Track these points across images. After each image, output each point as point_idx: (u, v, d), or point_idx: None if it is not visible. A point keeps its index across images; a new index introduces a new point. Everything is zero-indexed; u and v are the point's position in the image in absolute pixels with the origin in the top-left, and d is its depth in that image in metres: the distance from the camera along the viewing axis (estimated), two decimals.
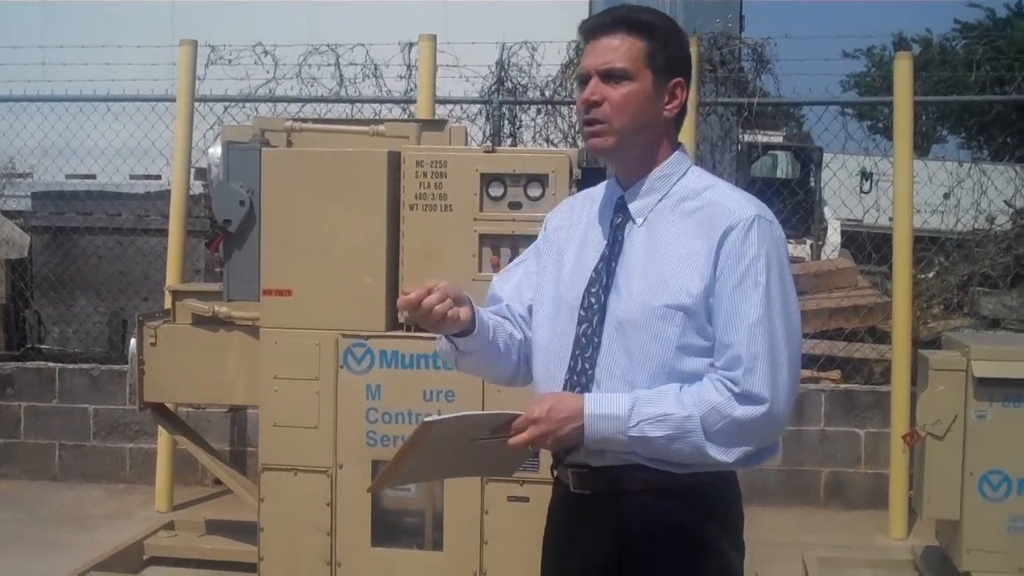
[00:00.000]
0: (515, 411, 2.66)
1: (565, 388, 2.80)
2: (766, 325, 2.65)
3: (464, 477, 4.54)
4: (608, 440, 2.66)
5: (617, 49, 2.74)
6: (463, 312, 2.81)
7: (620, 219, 2.84)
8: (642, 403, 2.64)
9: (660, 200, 2.80)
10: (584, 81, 2.79)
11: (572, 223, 3.00)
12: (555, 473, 2.93)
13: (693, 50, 7.43)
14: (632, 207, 2.83)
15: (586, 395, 2.69)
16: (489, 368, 3.06)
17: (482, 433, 2.68)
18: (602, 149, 2.79)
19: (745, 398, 2.62)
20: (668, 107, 2.80)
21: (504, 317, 3.05)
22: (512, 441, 2.64)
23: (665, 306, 2.68)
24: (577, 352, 2.80)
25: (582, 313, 2.80)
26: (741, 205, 2.73)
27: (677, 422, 2.62)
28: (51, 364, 8.60)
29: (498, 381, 3.15)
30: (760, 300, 2.65)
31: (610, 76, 2.74)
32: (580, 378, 2.78)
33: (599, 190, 3.00)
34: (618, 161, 2.86)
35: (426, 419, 2.59)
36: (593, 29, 2.80)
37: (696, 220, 2.73)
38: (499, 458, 2.81)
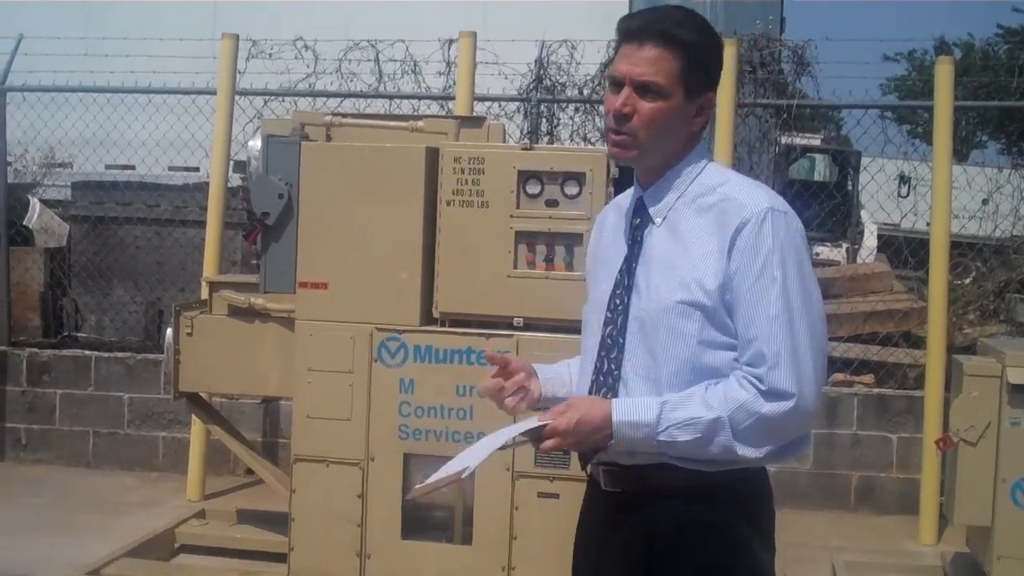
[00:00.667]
0: (544, 421, 2.67)
1: (591, 389, 2.85)
2: (786, 319, 2.64)
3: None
4: (637, 444, 2.67)
5: (655, 62, 2.72)
6: (534, 390, 2.95)
7: (639, 220, 2.87)
8: (669, 408, 2.65)
9: (678, 199, 2.82)
10: (616, 83, 2.79)
11: (604, 232, 3.05)
12: (588, 471, 2.95)
13: (733, 51, 7.45)
14: (651, 208, 2.85)
15: (613, 402, 2.70)
16: None
17: (513, 442, 2.72)
18: (623, 159, 2.82)
19: (771, 395, 2.62)
20: (695, 121, 2.82)
21: None
22: (543, 447, 2.67)
23: (680, 302, 2.69)
24: (603, 353, 2.84)
25: (608, 315, 2.84)
26: (753, 198, 2.72)
27: (706, 425, 2.63)
28: (87, 352, 8.68)
29: None
30: (778, 295, 2.64)
31: (644, 89, 2.73)
32: (607, 379, 2.81)
33: (625, 196, 3.03)
34: (638, 166, 2.88)
35: (464, 474, 2.64)
36: (634, 33, 2.77)
37: (711, 216, 2.74)
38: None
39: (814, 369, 2.67)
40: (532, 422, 2.69)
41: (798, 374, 2.63)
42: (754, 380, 2.63)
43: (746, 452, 2.65)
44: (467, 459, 2.71)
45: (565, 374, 3.07)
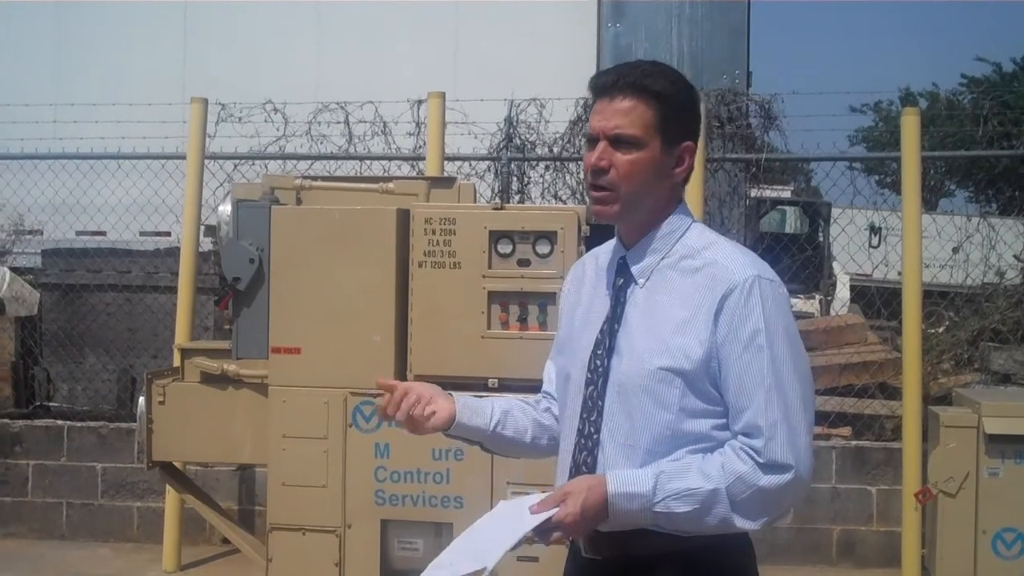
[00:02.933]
0: (541, 511, 2.61)
1: (575, 452, 2.80)
2: (778, 390, 2.61)
3: None
4: (632, 515, 2.61)
5: (628, 114, 2.70)
6: (442, 410, 2.84)
7: (622, 281, 2.82)
8: (665, 479, 2.60)
9: (662, 260, 2.77)
10: (592, 139, 2.76)
11: (579, 289, 3.00)
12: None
13: (701, 106, 7.49)
14: (634, 268, 2.80)
15: (607, 475, 2.64)
16: (514, 451, 3.11)
17: (523, 540, 2.64)
18: (607, 215, 2.77)
19: (769, 467, 2.59)
20: (676, 171, 2.78)
21: (540, 403, 3.10)
22: (553, 540, 2.62)
23: (662, 368, 2.65)
24: (584, 415, 2.79)
25: (588, 376, 2.79)
26: (740, 265, 2.68)
27: (704, 496, 2.58)
28: (59, 422, 8.58)
29: (536, 457, 3.16)
30: (769, 365, 2.61)
31: (619, 142, 2.70)
32: (587, 442, 2.77)
33: (604, 250, 2.98)
34: (622, 224, 2.84)
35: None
36: (606, 87, 2.75)
37: (696, 281, 2.70)
38: None
39: (807, 437, 2.64)
40: (526, 503, 2.64)
41: (794, 446, 2.60)
42: (751, 452, 2.60)
43: (744, 524, 2.61)
44: (476, 557, 2.62)
45: (486, 407, 2.96)
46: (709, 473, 2.59)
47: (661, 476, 2.60)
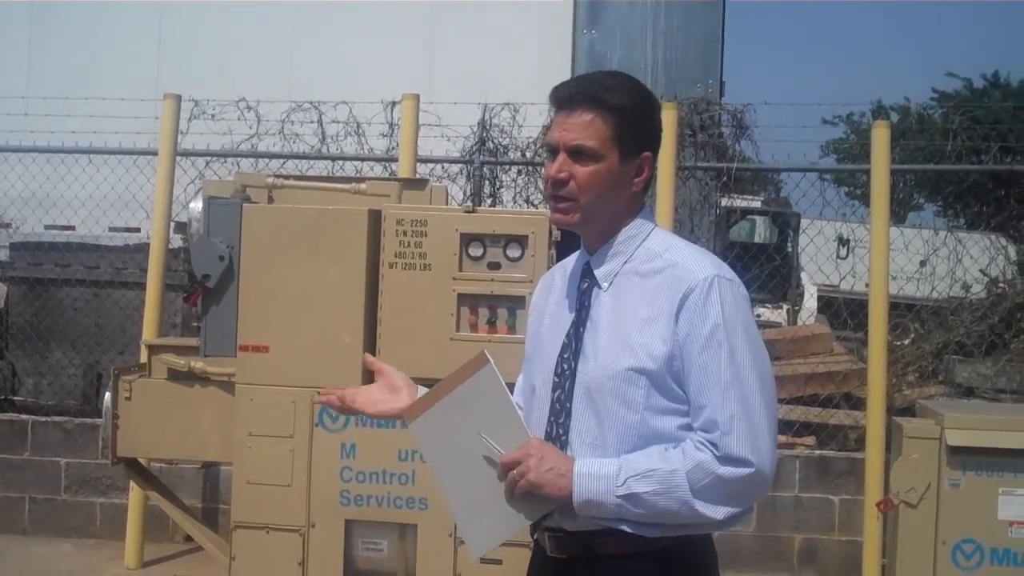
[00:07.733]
0: (527, 436, 2.75)
1: None
2: (737, 386, 2.66)
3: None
4: (597, 503, 2.66)
5: (587, 127, 2.77)
6: (404, 395, 3.12)
7: (587, 284, 2.88)
8: (629, 462, 2.66)
9: (624, 263, 2.84)
10: (552, 150, 2.83)
11: (547, 298, 3.06)
12: (535, 537, 2.93)
13: (673, 115, 7.51)
14: (598, 272, 2.86)
15: (576, 459, 2.71)
16: None
17: (496, 431, 2.75)
18: (567, 224, 2.85)
19: (727, 460, 2.63)
20: (635, 181, 2.84)
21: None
22: (504, 457, 2.70)
23: (628, 369, 2.70)
24: (552, 418, 2.83)
25: (556, 380, 2.84)
26: (700, 265, 2.74)
27: (663, 476, 2.63)
28: (24, 416, 8.52)
29: None
30: (727, 362, 2.66)
31: (578, 154, 2.77)
32: (555, 444, 2.80)
33: (571, 260, 3.05)
34: (583, 231, 2.91)
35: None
36: (565, 100, 2.82)
37: (657, 282, 2.76)
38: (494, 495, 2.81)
39: (769, 435, 2.69)
40: (523, 426, 2.77)
41: (754, 441, 2.64)
42: (709, 446, 2.64)
43: (705, 510, 2.65)
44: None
45: None
46: (669, 458, 2.65)
47: (626, 460, 2.67)
